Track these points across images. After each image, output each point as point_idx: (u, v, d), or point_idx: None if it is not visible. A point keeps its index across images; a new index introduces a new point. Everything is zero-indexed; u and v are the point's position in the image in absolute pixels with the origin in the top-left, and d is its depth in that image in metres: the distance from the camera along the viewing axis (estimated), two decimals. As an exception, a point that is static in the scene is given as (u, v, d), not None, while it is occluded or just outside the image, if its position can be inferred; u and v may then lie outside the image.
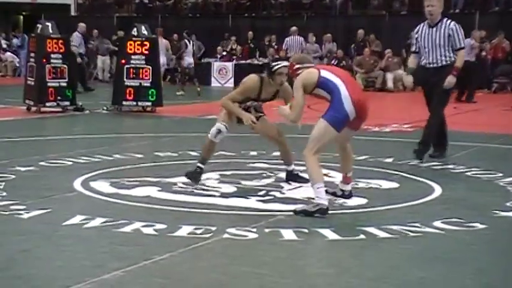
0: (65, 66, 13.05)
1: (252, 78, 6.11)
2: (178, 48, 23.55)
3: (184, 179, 6.35)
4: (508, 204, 5.77)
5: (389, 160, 7.77)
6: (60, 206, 5.55)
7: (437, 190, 6.29)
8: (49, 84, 12.82)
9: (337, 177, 6.49)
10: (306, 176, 6.14)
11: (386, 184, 6.48)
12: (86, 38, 19.70)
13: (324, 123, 5.28)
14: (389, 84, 20.06)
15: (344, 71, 5.63)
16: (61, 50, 13.00)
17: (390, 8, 22.58)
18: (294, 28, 20.90)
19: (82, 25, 19.04)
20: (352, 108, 5.27)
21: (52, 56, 12.87)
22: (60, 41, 13.06)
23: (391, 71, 20.18)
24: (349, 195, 5.75)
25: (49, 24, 13.21)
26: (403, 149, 8.60)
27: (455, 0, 21.74)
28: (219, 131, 6.06)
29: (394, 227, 4.97)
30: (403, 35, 20.89)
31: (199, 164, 6.28)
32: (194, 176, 6.25)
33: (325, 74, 5.40)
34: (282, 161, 6.52)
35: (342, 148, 5.69)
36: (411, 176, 6.94)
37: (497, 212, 5.50)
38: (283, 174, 6.65)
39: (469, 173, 7.16)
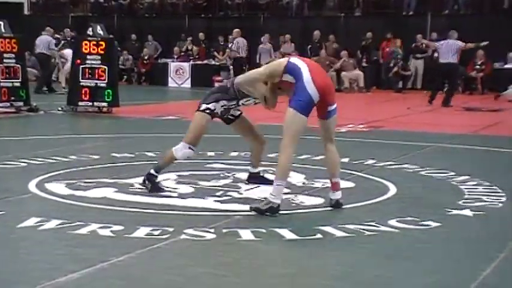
0: (18, 66, 12.87)
1: None
2: (136, 48, 23.46)
3: (141, 180, 6.29)
4: (460, 202, 5.86)
5: (345, 160, 7.81)
6: (15, 208, 5.46)
7: (392, 189, 6.36)
8: (2, 84, 12.63)
9: (294, 177, 6.53)
10: (269, 177, 6.18)
11: (342, 184, 6.47)
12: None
13: (290, 111, 5.30)
14: (346, 83, 20.28)
15: (309, 59, 5.75)
16: (14, 50, 12.82)
17: (345, 10, 22.79)
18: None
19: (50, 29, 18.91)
20: (315, 91, 5.28)
21: (5, 55, 12.68)
22: (13, 41, 12.87)
23: (347, 71, 20.41)
24: (335, 205, 5.54)
25: (1, 23, 12.99)
26: (358, 149, 8.68)
27: (408, 2, 22.07)
28: (188, 158, 5.99)
29: (351, 226, 5.01)
30: (358, 36, 21.21)
31: (153, 172, 6.00)
32: (154, 187, 5.98)
33: (293, 59, 5.50)
34: (251, 162, 6.36)
35: (325, 148, 5.59)
36: (367, 176, 7.01)
37: (450, 210, 5.58)
38: (240, 175, 6.65)
39: (423, 172, 7.26)
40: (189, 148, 5.88)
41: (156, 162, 7.52)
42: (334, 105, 5.51)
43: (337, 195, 5.58)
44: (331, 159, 5.60)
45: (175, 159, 6.01)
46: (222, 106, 5.87)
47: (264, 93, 5.60)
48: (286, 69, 5.42)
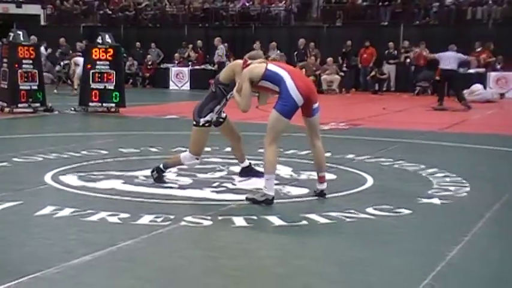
0: (36, 71, 12.81)
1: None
2: (140, 54, 23.38)
3: (145, 173, 6.29)
4: (429, 192, 5.88)
5: (328, 154, 7.75)
6: (32, 198, 5.43)
7: (370, 180, 6.37)
8: (21, 87, 12.57)
9: (282, 170, 6.52)
10: (260, 169, 6.14)
11: (326, 176, 6.51)
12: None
13: (275, 113, 5.24)
14: (324, 86, 20.24)
15: (288, 65, 5.60)
16: (32, 56, 12.77)
17: (328, 20, 22.79)
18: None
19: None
20: (299, 95, 5.22)
21: (23, 61, 12.63)
22: (31, 48, 12.82)
23: (328, 75, 20.38)
24: (320, 194, 5.52)
25: (20, 32, 12.96)
26: (339, 145, 8.68)
27: (383, 14, 22.10)
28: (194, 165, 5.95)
29: (333, 214, 5.01)
30: (339, 44, 21.22)
31: (162, 167, 6.00)
32: (159, 178, 5.99)
33: (271, 67, 5.37)
34: (237, 159, 6.32)
35: (312, 144, 5.54)
36: (347, 169, 7.01)
37: (420, 199, 5.59)
38: (234, 168, 6.63)
39: (396, 165, 7.27)
40: (196, 159, 5.86)
41: (152, 156, 7.53)
42: (317, 104, 5.46)
43: (323, 186, 5.57)
44: (318, 155, 5.57)
45: (182, 165, 6.00)
46: (216, 112, 5.78)
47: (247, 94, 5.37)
48: (264, 76, 5.31)
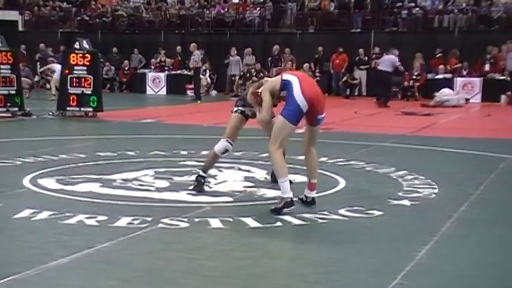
0: (14, 76, 12.69)
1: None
2: (117, 60, 23.21)
3: (123, 176, 6.25)
4: (399, 193, 5.93)
5: (302, 158, 7.82)
6: (11, 201, 5.36)
7: (342, 183, 6.40)
8: (-1, 92, 12.43)
9: (257, 172, 6.53)
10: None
11: (299, 178, 6.51)
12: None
13: (281, 119, 5.14)
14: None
15: (301, 72, 5.57)
16: (10, 61, 12.65)
17: (301, 27, 22.89)
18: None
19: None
20: (303, 101, 5.10)
21: (1, 66, 12.51)
22: (9, 53, 12.70)
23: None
24: (311, 202, 5.35)
25: (-2, 38, 12.81)
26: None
27: (355, 21, 22.26)
28: (227, 151, 5.82)
29: (306, 215, 5.03)
30: (312, 50, 21.31)
31: (202, 174, 5.91)
32: (199, 186, 5.86)
33: (285, 76, 5.28)
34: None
35: (306, 150, 5.46)
36: (320, 171, 6.98)
37: (391, 200, 5.64)
38: (210, 171, 6.61)
39: (368, 168, 7.32)
40: (227, 141, 5.79)
41: (129, 159, 7.50)
42: (323, 115, 5.36)
43: (314, 193, 5.43)
44: (312, 162, 5.47)
45: (218, 156, 5.87)
46: (249, 110, 5.80)
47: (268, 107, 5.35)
48: (281, 87, 5.22)
